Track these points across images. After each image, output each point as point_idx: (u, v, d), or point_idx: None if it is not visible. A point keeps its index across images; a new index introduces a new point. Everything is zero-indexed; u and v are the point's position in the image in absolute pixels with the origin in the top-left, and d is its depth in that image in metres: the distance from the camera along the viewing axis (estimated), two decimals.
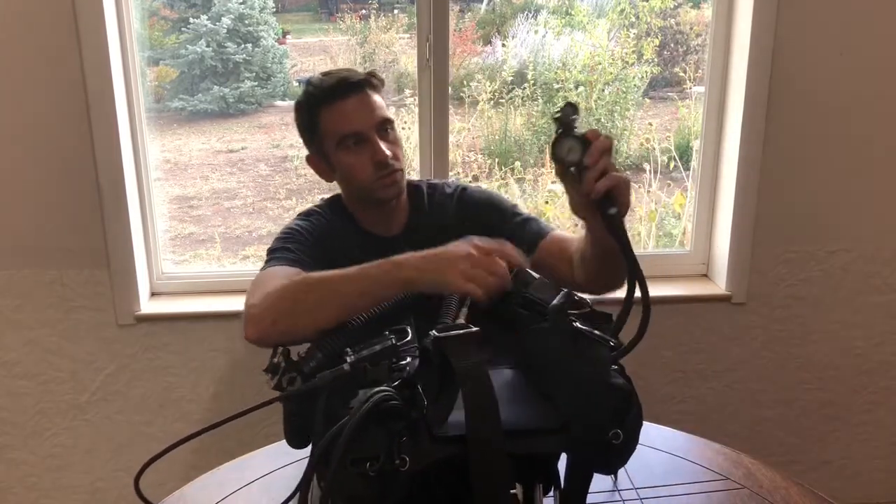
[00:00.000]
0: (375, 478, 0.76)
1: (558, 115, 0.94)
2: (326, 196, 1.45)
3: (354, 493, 0.78)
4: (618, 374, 0.87)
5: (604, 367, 0.84)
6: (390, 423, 0.77)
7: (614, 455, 0.84)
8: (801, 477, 1.25)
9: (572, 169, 0.95)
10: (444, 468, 0.79)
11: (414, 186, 1.42)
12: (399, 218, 1.39)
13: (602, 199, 0.94)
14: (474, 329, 0.82)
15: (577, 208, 1.05)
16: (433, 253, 0.98)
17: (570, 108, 0.94)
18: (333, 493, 0.77)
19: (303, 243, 1.29)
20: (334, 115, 1.29)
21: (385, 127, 1.31)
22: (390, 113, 1.33)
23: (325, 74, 1.33)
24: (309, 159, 1.39)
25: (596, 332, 0.86)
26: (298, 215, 1.39)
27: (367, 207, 1.37)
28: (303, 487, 0.78)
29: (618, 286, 1.16)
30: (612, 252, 1.05)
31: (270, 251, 1.29)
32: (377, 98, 1.32)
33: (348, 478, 0.78)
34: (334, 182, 1.39)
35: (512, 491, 0.78)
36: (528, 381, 0.88)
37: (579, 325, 0.86)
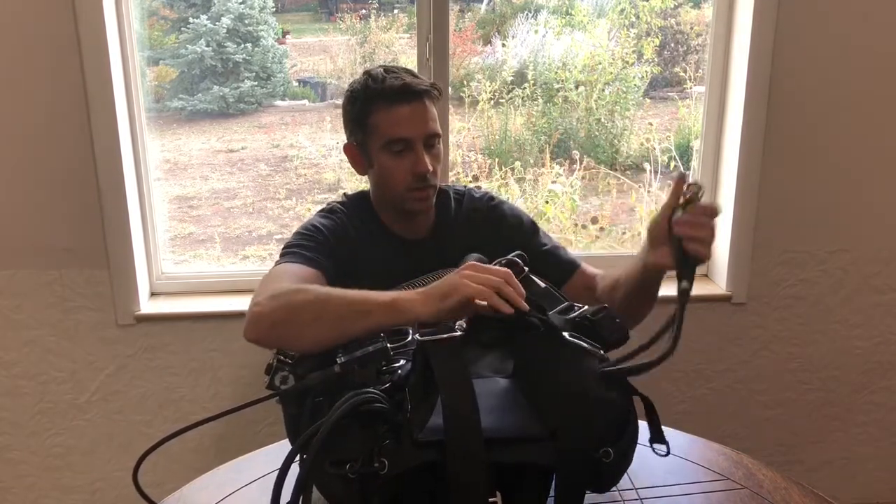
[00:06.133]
0: (355, 480, 0.76)
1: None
2: (349, 192, 1.43)
3: (335, 493, 0.78)
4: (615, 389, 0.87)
5: (590, 380, 0.83)
6: (374, 425, 0.77)
7: (606, 473, 0.84)
8: (802, 477, 1.25)
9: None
10: (433, 475, 0.77)
11: (441, 191, 1.40)
12: (425, 222, 1.37)
13: (685, 265, 0.99)
14: (457, 333, 0.81)
15: (656, 234, 1.06)
16: (436, 283, 0.97)
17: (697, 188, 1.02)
18: (309, 492, 0.77)
19: (321, 242, 1.26)
20: (389, 117, 1.27)
21: (432, 141, 1.29)
22: (439, 127, 1.31)
23: (388, 72, 1.29)
24: (346, 148, 1.37)
25: (584, 343, 0.85)
26: (320, 212, 1.36)
27: (393, 210, 1.35)
28: (276, 486, 0.77)
29: (636, 323, 1.18)
30: (648, 290, 1.12)
31: (287, 246, 1.26)
32: (433, 110, 1.30)
33: (329, 479, 0.78)
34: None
35: (492, 499, 0.77)
36: (521, 390, 0.87)
37: (568, 337, 0.86)
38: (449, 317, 0.92)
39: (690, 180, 1.02)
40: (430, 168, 1.27)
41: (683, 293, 0.97)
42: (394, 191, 1.30)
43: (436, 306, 0.93)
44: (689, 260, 0.99)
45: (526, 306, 0.90)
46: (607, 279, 1.29)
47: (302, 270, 1.17)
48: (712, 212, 1.00)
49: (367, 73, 1.32)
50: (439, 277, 0.99)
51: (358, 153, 1.35)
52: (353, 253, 1.28)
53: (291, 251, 1.23)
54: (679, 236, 0.99)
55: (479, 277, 0.92)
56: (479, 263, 0.98)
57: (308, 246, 1.24)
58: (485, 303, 0.89)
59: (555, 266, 1.34)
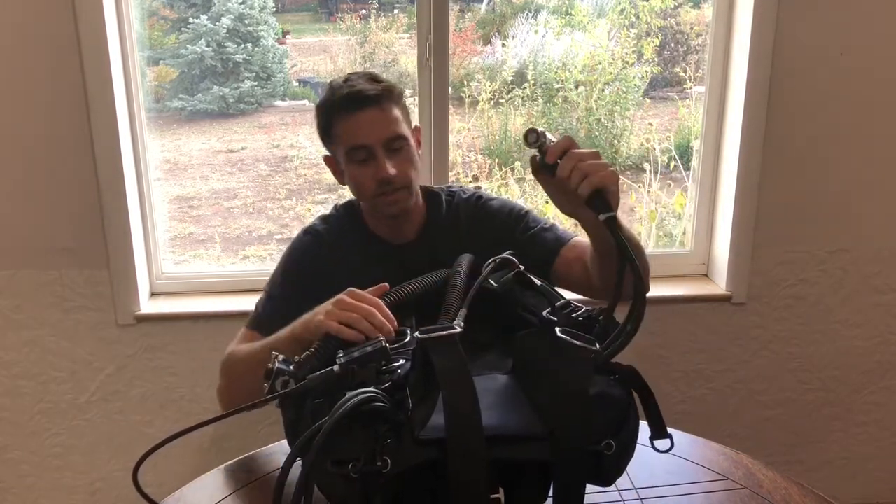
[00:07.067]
0: (358, 479, 0.76)
1: (527, 143, 1.00)
2: (339, 202, 1.46)
3: (337, 493, 0.78)
4: (615, 383, 0.87)
5: (588, 378, 0.83)
6: (375, 424, 0.77)
7: (608, 466, 0.84)
8: (802, 477, 1.25)
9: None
10: (435, 473, 0.77)
11: (432, 193, 1.41)
12: (413, 225, 1.37)
13: (591, 202, 0.96)
14: (457, 330, 0.81)
15: (563, 208, 1.06)
16: (307, 317, 1.06)
17: (533, 135, 0.99)
18: (310, 493, 0.76)
19: (288, 282, 1.35)
20: (347, 125, 1.27)
21: (396, 143, 1.27)
22: (405, 128, 1.30)
23: (346, 80, 1.30)
24: (326, 160, 1.39)
25: (576, 341, 0.84)
26: (304, 229, 1.40)
27: (375, 216, 1.36)
28: (277, 486, 0.77)
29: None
30: (612, 249, 1.07)
31: (260, 300, 1.37)
32: (394, 112, 1.28)
33: (331, 478, 0.77)
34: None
35: (494, 496, 0.77)
36: (521, 388, 0.87)
37: (560, 334, 0.85)
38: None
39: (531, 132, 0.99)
40: (393, 172, 1.25)
41: (610, 222, 0.94)
42: (365, 197, 1.32)
43: (308, 337, 1.01)
44: (592, 200, 0.96)
45: (385, 337, 0.91)
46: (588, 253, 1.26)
47: (249, 335, 1.32)
48: (566, 144, 0.98)
49: (330, 84, 1.33)
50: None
51: (334, 164, 1.36)
52: (331, 267, 1.32)
53: (256, 309, 1.36)
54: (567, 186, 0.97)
55: (340, 315, 0.96)
56: (355, 291, 1.01)
57: (264, 301, 1.36)
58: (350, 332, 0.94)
59: (541, 248, 1.33)
